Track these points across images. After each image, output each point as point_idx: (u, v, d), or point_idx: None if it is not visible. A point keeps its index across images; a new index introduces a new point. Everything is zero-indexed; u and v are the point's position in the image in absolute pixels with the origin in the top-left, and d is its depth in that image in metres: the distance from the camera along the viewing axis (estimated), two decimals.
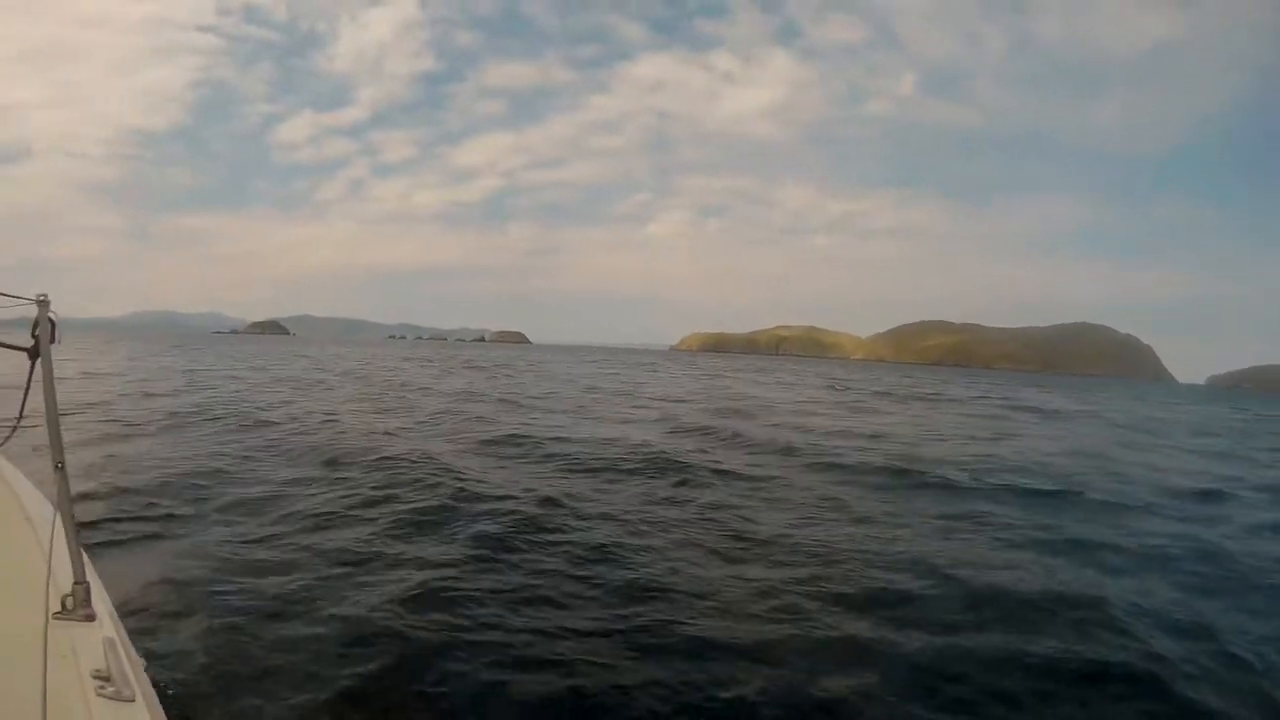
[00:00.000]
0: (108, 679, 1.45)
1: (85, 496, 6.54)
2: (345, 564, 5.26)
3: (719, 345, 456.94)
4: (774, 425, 16.41)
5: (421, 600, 4.59)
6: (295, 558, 5.36)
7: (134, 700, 1.42)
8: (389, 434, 11.96)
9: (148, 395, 17.07)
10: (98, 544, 5.14)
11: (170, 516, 6.31)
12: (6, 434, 2.64)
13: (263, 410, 14.80)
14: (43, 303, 1.87)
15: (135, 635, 2.20)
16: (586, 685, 3.68)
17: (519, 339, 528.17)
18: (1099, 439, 18.44)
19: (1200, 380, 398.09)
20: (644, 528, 6.59)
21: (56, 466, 1.80)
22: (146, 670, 1.75)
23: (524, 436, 11.90)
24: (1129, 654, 4.35)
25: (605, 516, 6.88)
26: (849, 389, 37.90)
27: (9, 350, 1.97)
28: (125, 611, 2.73)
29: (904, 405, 27.35)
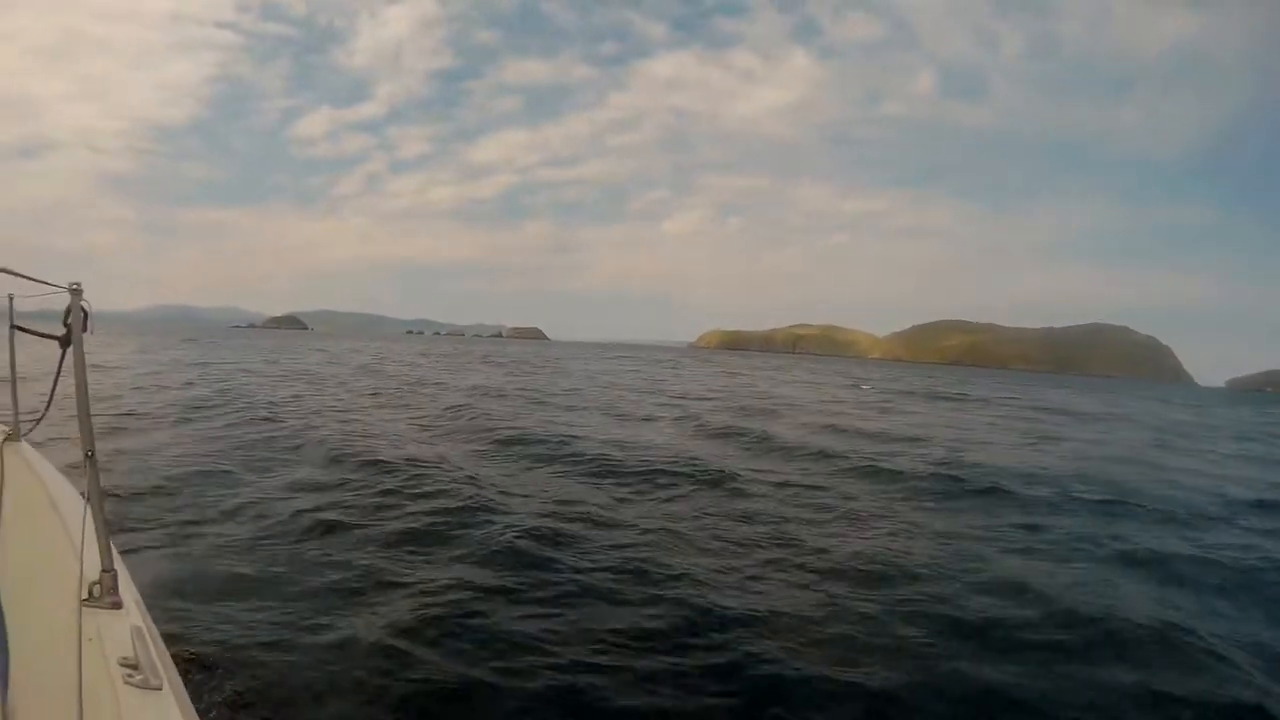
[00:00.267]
0: (135, 667, 1.43)
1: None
2: (361, 570, 5.03)
3: (736, 343, 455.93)
4: (806, 426, 16.02)
5: (442, 615, 4.31)
6: (315, 560, 5.10)
7: (161, 689, 1.39)
8: (405, 432, 11.69)
9: (159, 389, 16.95)
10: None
11: (170, 515, 6.08)
12: (33, 423, 2.81)
13: (272, 405, 14.62)
14: (76, 291, 1.83)
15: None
16: None
17: (536, 335, 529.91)
18: (1139, 443, 18.08)
19: (1219, 383, 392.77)
20: (712, 546, 6.16)
21: (87, 455, 1.77)
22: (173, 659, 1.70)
23: (551, 437, 11.53)
24: (1236, 689, 4.01)
25: (649, 530, 6.44)
26: (872, 388, 37.44)
27: (14, 346, 2.01)
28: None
29: (932, 405, 26.89)
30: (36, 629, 1.58)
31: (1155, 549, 6.69)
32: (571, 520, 6.46)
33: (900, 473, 10.02)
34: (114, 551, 1.77)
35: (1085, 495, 9.17)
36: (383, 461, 8.64)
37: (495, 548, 5.53)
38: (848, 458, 11.08)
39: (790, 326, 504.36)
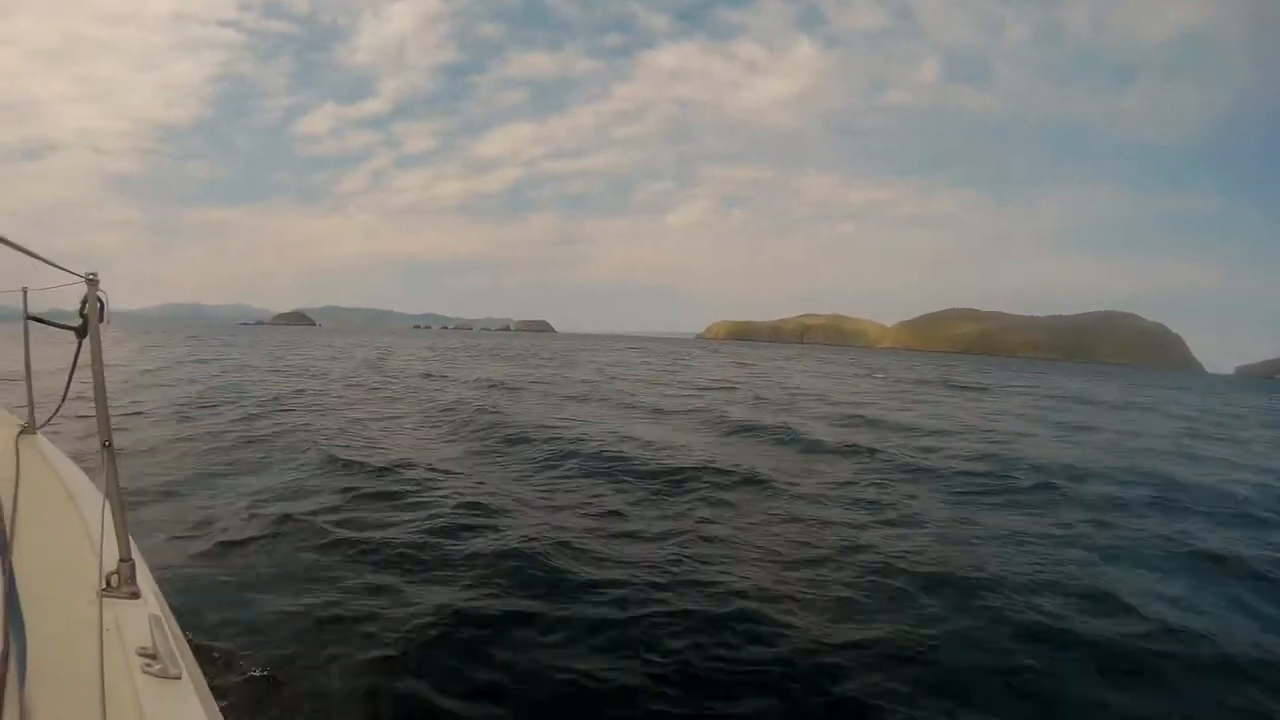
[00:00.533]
0: (154, 656, 1.44)
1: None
2: (375, 568, 4.90)
3: (745, 334, 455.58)
4: (832, 419, 15.62)
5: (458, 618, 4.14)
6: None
7: (180, 678, 1.40)
8: (413, 428, 11.40)
9: (162, 386, 16.78)
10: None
11: (169, 516, 5.88)
12: (49, 414, 2.90)
13: (277, 402, 14.43)
14: (92, 281, 1.80)
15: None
16: None
17: (544, 328, 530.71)
18: (1173, 433, 17.78)
19: (1228, 370, 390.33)
20: (764, 556, 5.78)
21: (104, 445, 1.77)
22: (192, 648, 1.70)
23: (574, 435, 11.17)
24: None
25: (684, 533, 6.11)
26: (887, 377, 37.03)
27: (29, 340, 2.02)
28: None
29: (953, 395, 26.42)
30: (55, 619, 1.56)
31: (1235, 552, 6.26)
32: (591, 531, 6.04)
33: (944, 469, 9.61)
34: (131, 542, 1.78)
35: (1141, 491, 8.77)
36: (390, 460, 8.38)
37: (513, 552, 5.23)
38: (885, 452, 10.66)
39: (798, 316, 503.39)
